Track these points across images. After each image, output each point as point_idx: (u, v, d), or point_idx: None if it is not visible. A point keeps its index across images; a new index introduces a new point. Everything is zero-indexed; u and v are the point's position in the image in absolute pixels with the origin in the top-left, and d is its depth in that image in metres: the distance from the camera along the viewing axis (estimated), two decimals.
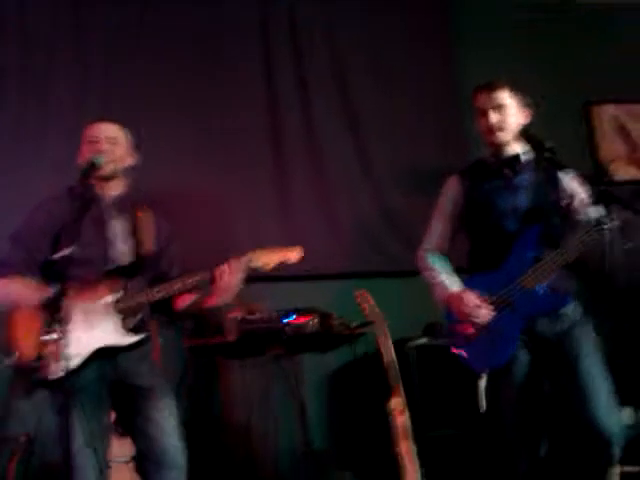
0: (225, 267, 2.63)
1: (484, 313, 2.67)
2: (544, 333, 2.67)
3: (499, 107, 2.74)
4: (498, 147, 2.79)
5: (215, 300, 2.69)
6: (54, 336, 2.27)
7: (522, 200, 2.74)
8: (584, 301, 2.74)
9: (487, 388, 2.74)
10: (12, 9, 4.49)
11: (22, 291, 2.56)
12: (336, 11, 4.80)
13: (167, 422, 2.64)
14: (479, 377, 2.75)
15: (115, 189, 2.79)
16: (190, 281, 2.64)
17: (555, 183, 2.75)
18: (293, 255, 2.72)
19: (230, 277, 2.63)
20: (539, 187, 2.74)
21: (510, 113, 2.76)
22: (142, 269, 2.74)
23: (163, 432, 2.61)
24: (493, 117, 2.74)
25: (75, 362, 2.47)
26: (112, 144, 2.74)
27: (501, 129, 2.74)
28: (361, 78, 4.74)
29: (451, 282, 2.81)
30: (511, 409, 2.70)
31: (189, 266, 2.80)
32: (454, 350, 2.75)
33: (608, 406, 2.55)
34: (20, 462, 3.71)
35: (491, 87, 2.78)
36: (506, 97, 2.77)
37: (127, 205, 2.81)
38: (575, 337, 2.61)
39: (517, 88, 2.81)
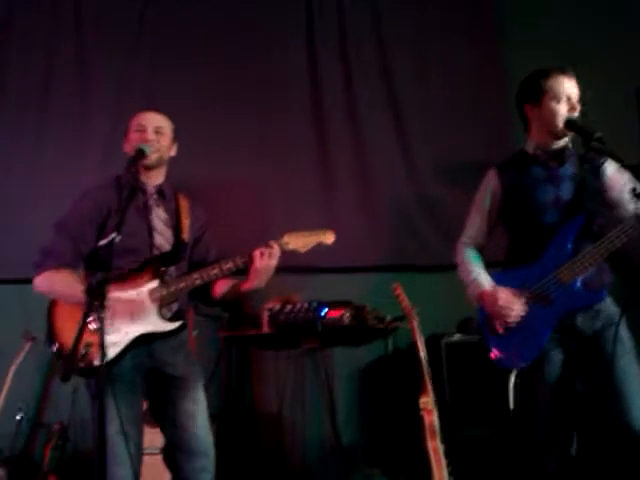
0: (261, 249, 2.62)
1: (516, 311, 2.62)
2: (583, 330, 2.61)
3: (578, 97, 2.67)
4: (556, 136, 2.69)
5: (251, 284, 2.67)
6: (94, 325, 2.29)
7: (565, 191, 2.67)
8: (622, 296, 2.66)
9: (516, 385, 2.71)
10: (11, 9, 4.56)
11: (67, 286, 2.57)
12: (383, 6, 4.75)
13: (198, 412, 2.65)
14: (510, 373, 2.71)
15: (157, 178, 2.80)
16: (227, 266, 2.63)
17: (599, 174, 2.68)
18: (327, 238, 2.69)
19: (266, 259, 2.61)
20: (583, 178, 2.66)
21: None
22: (181, 256, 2.74)
23: (194, 422, 2.62)
24: (578, 106, 2.65)
25: (114, 351, 2.48)
26: (158, 134, 2.76)
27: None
28: (406, 72, 4.68)
29: (484, 279, 2.76)
30: (543, 408, 2.66)
31: (226, 253, 2.80)
32: (492, 356, 2.71)
33: None
34: (55, 448, 3.76)
35: (571, 74, 2.68)
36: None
37: (168, 194, 2.83)
38: (611, 335, 2.53)
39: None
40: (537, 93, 2.69)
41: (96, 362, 2.38)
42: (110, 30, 4.56)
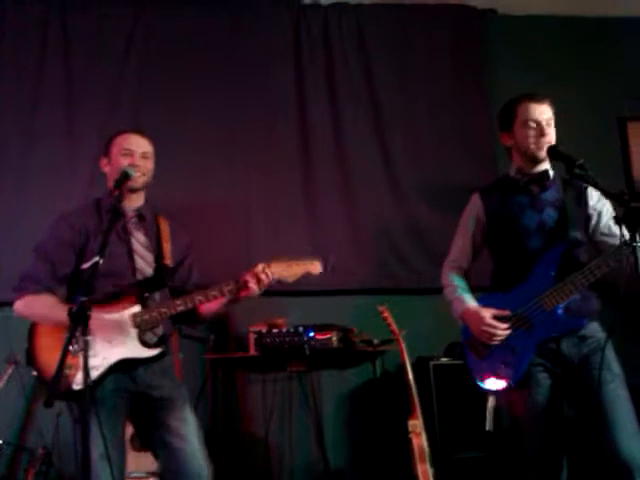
0: (247, 278, 2.61)
1: (500, 330, 2.62)
2: (569, 355, 2.60)
3: (549, 120, 2.69)
4: (535, 162, 2.72)
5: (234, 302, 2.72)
6: (75, 348, 2.26)
7: (549, 217, 2.68)
8: (609, 321, 2.67)
9: (495, 408, 2.70)
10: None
11: (48, 309, 2.56)
12: (368, 25, 4.81)
13: (189, 432, 2.60)
14: (487, 396, 2.71)
15: (137, 201, 2.78)
16: (213, 293, 2.63)
17: (583, 200, 2.70)
18: (314, 267, 2.69)
19: (253, 287, 2.61)
20: (566, 204, 2.68)
21: (554, 129, 2.71)
22: (164, 281, 2.73)
23: (186, 441, 2.57)
24: (547, 130, 2.67)
25: (94, 375, 2.45)
26: (144, 158, 2.75)
27: (550, 142, 2.67)
28: (391, 92, 4.73)
29: (468, 297, 2.76)
30: (533, 434, 2.63)
31: (211, 273, 2.78)
32: (475, 379, 2.70)
33: (633, 434, 2.47)
34: (38, 474, 3.71)
35: (542, 99, 2.71)
36: (552, 111, 2.72)
37: (148, 217, 2.81)
38: (598, 361, 2.52)
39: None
40: (509, 121, 2.75)
41: (74, 385, 2.40)
42: (98, 50, 4.56)
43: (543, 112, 2.69)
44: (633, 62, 4.96)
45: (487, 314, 2.63)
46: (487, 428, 2.68)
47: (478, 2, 4.89)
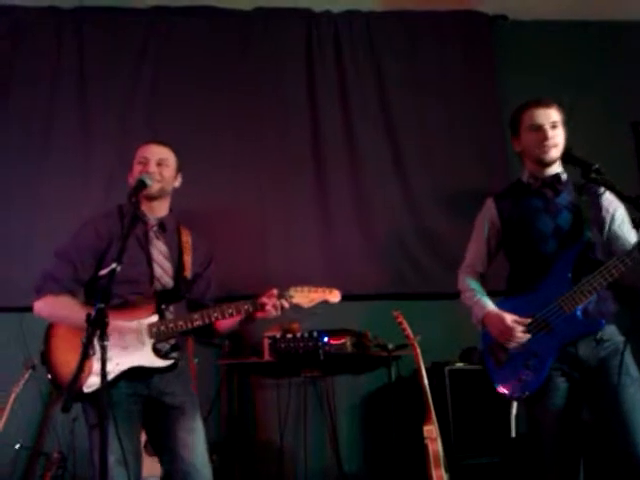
0: (264, 300, 2.64)
1: (520, 334, 2.62)
2: (587, 359, 2.59)
3: (554, 123, 2.71)
4: (544, 165, 2.74)
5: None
6: (90, 352, 2.28)
7: (564, 221, 2.69)
8: (628, 325, 2.66)
9: (519, 414, 2.69)
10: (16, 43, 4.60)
11: (68, 309, 2.58)
12: (379, 32, 4.84)
13: (196, 443, 2.62)
14: (511, 403, 2.69)
15: (160, 210, 2.81)
16: (230, 310, 2.64)
17: (598, 203, 2.71)
18: (333, 296, 2.72)
19: (270, 310, 2.63)
20: (581, 207, 2.69)
21: (561, 132, 2.73)
22: (182, 293, 2.74)
23: (191, 452, 2.59)
24: (550, 132, 2.69)
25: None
26: (161, 165, 2.78)
27: (556, 145, 2.69)
28: (404, 99, 4.74)
29: (488, 301, 2.77)
30: (550, 437, 2.62)
31: (227, 283, 2.78)
32: (499, 390, 2.69)
33: None
34: (53, 478, 3.73)
35: (547, 103, 2.74)
36: (558, 114, 2.74)
37: (171, 226, 2.84)
38: (617, 364, 2.52)
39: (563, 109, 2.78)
40: (516, 126, 2.80)
41: (85, 388, 2.43)
42: (112, 62, 4.62)
43: (547, 116, 2.71)
44: None
45: (509, 317, 2.64)
46: (512, 435, 2.66)
47: (489, 8, 4.90)
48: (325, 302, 2.71)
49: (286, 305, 2.66)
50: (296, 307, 2.70)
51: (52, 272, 2.65)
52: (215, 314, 2.63)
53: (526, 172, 2.82)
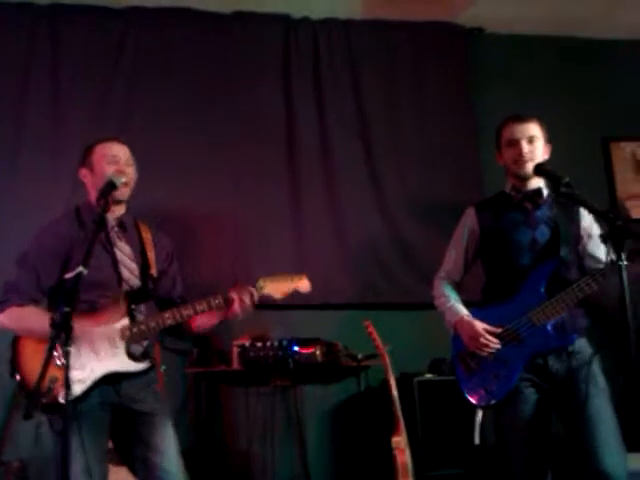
0: (235, 294, 2.61)
1: (492, 342, 2.65)
2: (556, 371, 2.63)
3: (530, 138, 2.75)
4: (522, 179, 2.78)
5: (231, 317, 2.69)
6: (60, 361, 2.23)
7: (541, 234, 2.73)
8: (597, 339, 2.71)
9: (484, 423, 2.71)
10: None
11: (35, 321, 2.50)
12: (358, 41, 4.83)
13: (168, 449, 2.57)
14: (476, 410, 2.72)
15: (119, 210, 2.74)
16: (201, 307, 2.61)
17: (575, 218, 2.76)
18: (303, 285, 2.69)
19: (241, 304, 2.60)
20: (559, 222, 2.73)
21: (539, 146, 2.77)
22: (150, 292, 2.70)
23: (164, 458, 2.54)
24: (526, 147, 2.74)
25: (80, 388, 2.43)
26: (129, 166, 2.72)
27: (532, 160, 2.73)
28: (379, 109, 4.75)
29: (461, 307, 2.81)
30: (518, 447, 2.66)
31: (198, 283, 2.75)
32: (467, 397, 2.71)
33: (616, 450, 2.50)
34: None
35: (523, 118, 2.80)
36: (537, 129, 2.78)
37: (129, 225, 2.77)
38: (584, 376, 2.56)
39: (542, 123, 2.83)
40: (498, 141, 2.86)
41: (60, 398, 2.34)
42: (87, 62, 4.52)
43: (524, 131, 2.76)
44: (617, 82, 5.03)
45: (480, 325, 2.68)
46: (475, 442, 2.68)
47: (465, 20, 4.93)
48: (296, 291, 2.67)
49: (256, 295, 2.62)
50: (269, 298, 2.66)
51: (15, 283, 2.58)
52: (187, 311, 2.60)
53: (509, 184, 2.85)
